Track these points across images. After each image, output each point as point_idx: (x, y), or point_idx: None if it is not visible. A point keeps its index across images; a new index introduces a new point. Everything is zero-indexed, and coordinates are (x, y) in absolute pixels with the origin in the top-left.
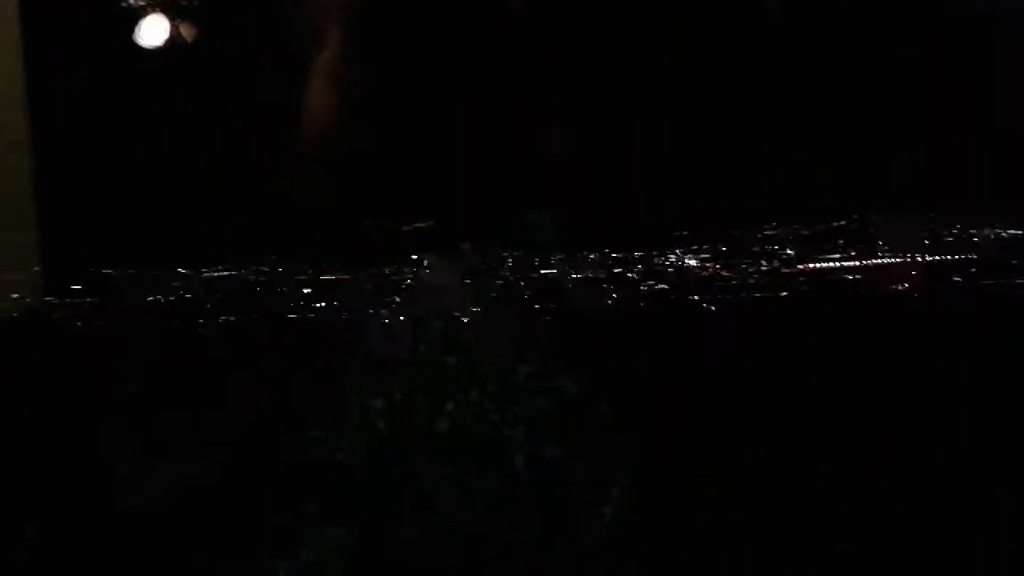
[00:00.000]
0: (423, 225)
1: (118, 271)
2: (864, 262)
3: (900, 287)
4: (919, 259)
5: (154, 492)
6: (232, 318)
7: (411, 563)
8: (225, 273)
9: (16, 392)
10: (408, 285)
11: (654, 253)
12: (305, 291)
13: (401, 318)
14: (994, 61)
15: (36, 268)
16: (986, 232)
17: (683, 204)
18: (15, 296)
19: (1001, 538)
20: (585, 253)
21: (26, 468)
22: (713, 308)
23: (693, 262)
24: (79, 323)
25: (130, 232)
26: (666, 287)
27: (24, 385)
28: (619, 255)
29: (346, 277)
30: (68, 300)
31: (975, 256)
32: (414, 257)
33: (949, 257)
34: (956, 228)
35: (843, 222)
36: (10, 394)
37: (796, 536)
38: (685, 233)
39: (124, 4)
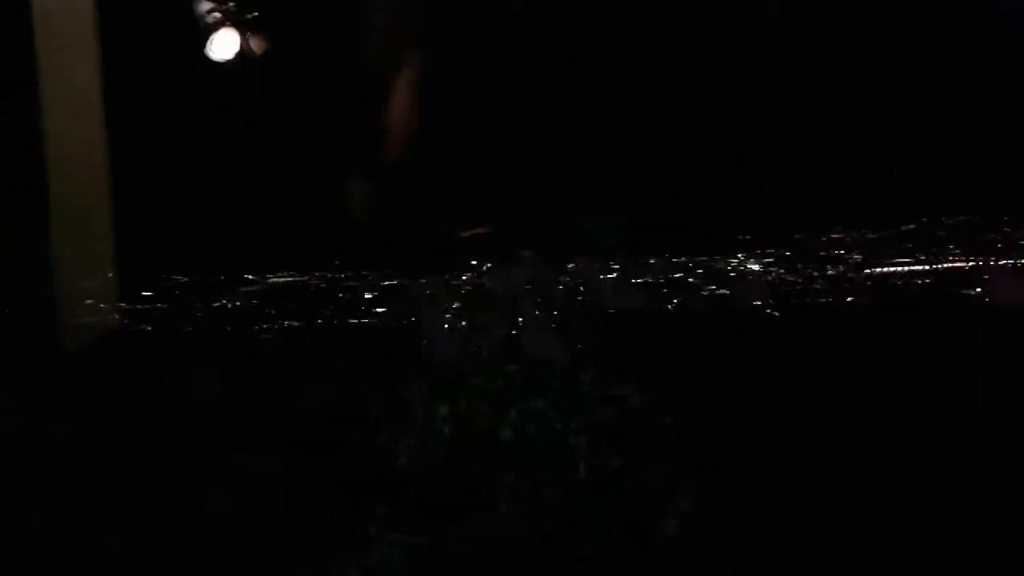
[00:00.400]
0: (483, 231)
1: (187, 277)
2: (934, 266)
3: (972, 292)
4: (991, 263)
5: (220, 496)
6: (296, 323)
7: (474, 570)
8: (289, 279)
9: (90, 395)
10: (468, 291)
11: (715, 257)
12: (367, 296)
13: (462, 324)
14: None
15: (109, 275)
16: None
17: (745, 207)
18: (89, 302)
19: None
20: (645, 258)
21: (95, 468)
22: (777, 314)
23: (756, 267)
24: (149, 328)
25: (199, 240)
26: (727, 292)
27: (97, 387)
28: (679, 260)
29: (407, 283)
30: (139, 306)
31: None
32: (474, 263)
33: (1023, 261)
34: None
35: (912, 225)
36: (85, 396)
37: (865, 550)
38: (747, 237)
39: (198, 19)
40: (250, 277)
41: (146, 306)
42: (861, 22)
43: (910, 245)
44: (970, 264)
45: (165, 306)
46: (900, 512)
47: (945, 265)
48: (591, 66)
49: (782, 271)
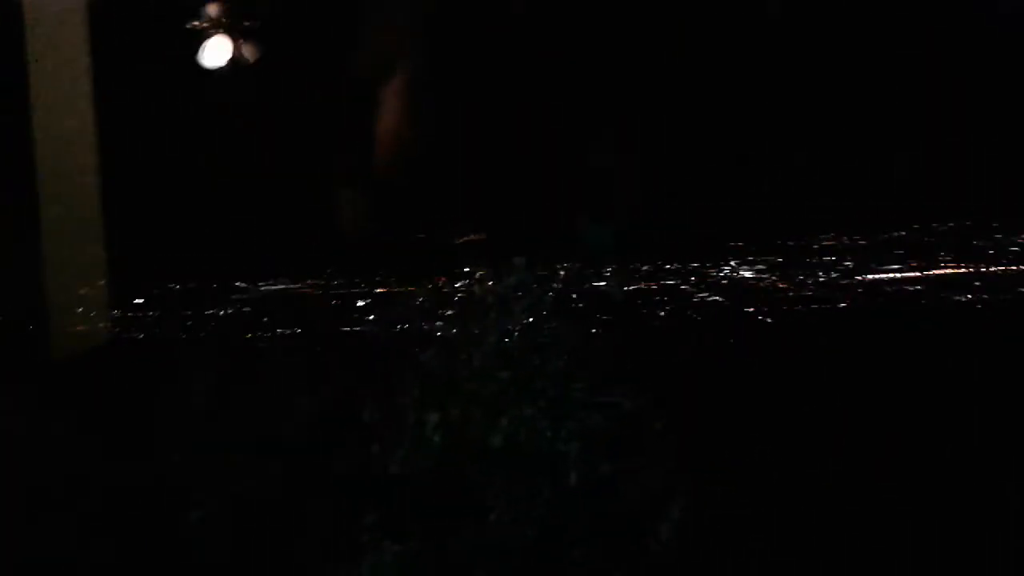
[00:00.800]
0: (477, 238)
1: (179, 285)
2: (924, 273)
3: (962, 298)
4: (982, 270)
5: (210, 504)
6: (288, 331)
7: None
8: (281, 287)
9: (81, 401)
10: (461, 298)
11: (708, 265)
12: (359, 304)
13: (454, 331)
14: None
15: (101, 282)
16: None
17: (738, 214)
18: (80, 310)
19: None
20: (638, 265)
21: (84, 476)
22: (769, 320)
23: (748, 273)
24: (141, 335)
25: (191, 247)
26: (720, 299)
27: (87, 394)
28: (672, 267)
29: (399, 290)
30: (131, 314)
31: None
32: (468, 270)
33: (1013, 268)
34: (1021, 237)
35: (903, 232)
36: (75, 403)
37: (856, 558)
38: (740, 244)
39: (190, 26)
40: (242, 285)
41: (138, 314)
42: (849, 30)
43: (901, 251)
44: (961, 270)
45: (157, 314)
46: (891, 515)
47: (936, 271)
48: (587, 76)
49: (774, 278)
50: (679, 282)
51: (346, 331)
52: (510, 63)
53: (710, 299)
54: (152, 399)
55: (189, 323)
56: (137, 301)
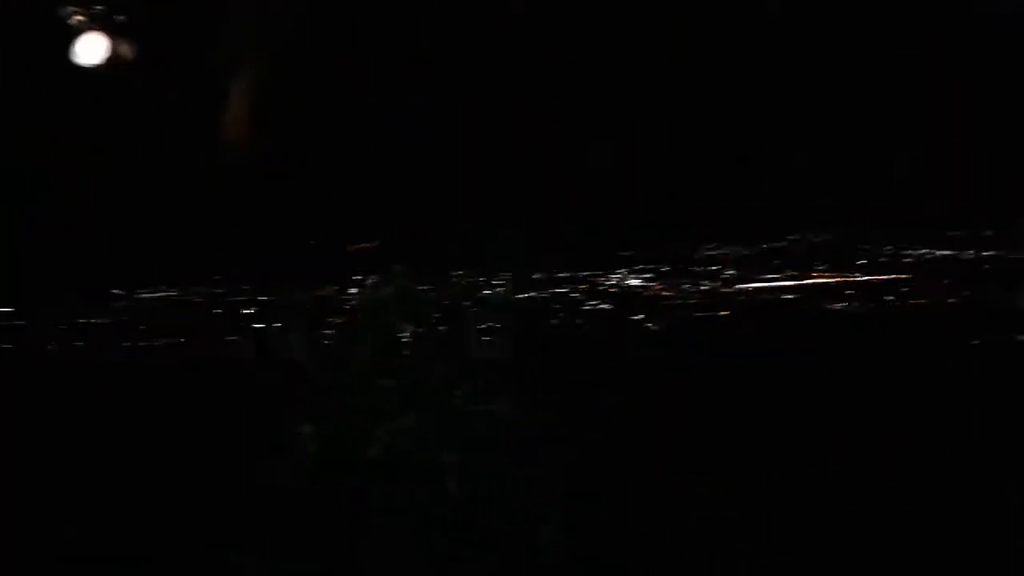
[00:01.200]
0: (368, 245)
1: (50, 292)
2: (800, 282)
3: (835, 305)
4: (853, 278)
5: (89, 525)
6: (169, 341)
7: None
8: (162, 295)
9: None
10: (349, 307)
11: (597, 273)
12: (244, 312)
13: (342, 339)
14: (965, 76)
15: None
16: (918, 252)
17: (627, 225)
18: None
19: None
20: (529, 273)
21: None
22: (655, 327)
23: (635, 282)
24: (8, 346)
25: (63, 253)
26: (609, 307)
27: None
28: (563, 275)
29: (287, 298)
30: None
31: (907, 276)
32: (358, 278)
33: (882, 277)
34: (888, 248)
35: (781, 243)
36: None
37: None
38: (628, 253)
39: (63, 22)
40: (119, 292)
41: (3, 323)
42: (749, 45)
43: (779, 261)
44: (834, 279)
45: (26, 323)
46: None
47: (811, 280)
48: (478, 83)
49: (660, 286)
50: (570, 290)
51: (232, 339)
52: (406, 65)
53: (599, 307)
54: (19, 414)
55: (62, 333)
56: (4, 309)
